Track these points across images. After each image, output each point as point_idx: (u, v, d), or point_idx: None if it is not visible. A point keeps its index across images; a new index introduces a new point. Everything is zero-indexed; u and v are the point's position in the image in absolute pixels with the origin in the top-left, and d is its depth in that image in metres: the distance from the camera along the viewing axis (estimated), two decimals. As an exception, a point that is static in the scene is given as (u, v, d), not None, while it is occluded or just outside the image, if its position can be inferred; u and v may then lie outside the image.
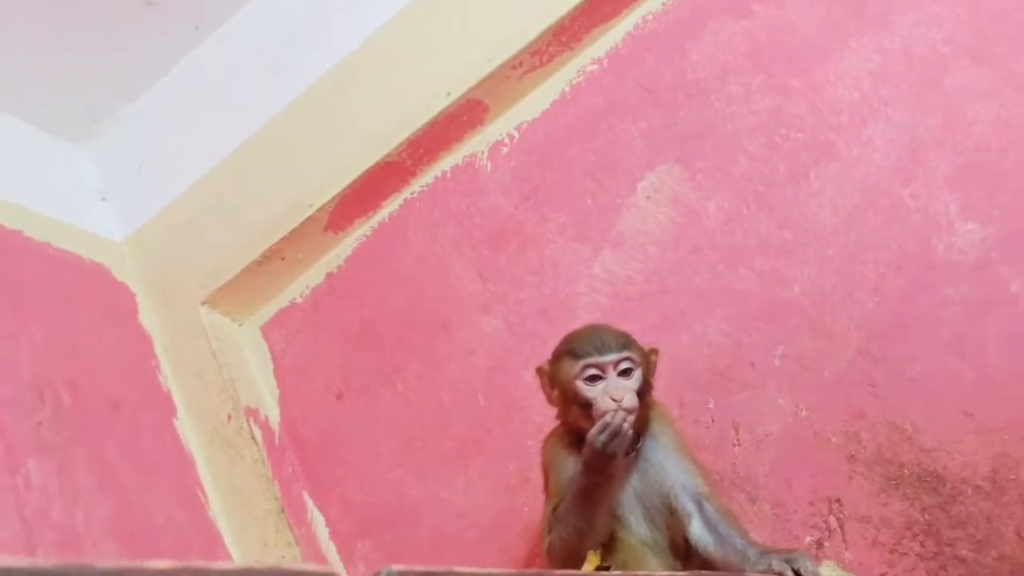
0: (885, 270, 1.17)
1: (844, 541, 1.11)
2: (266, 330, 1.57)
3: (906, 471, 1.10)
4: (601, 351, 0.97)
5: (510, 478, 1.32)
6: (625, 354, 0.97)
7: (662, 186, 1.33)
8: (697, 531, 0.99)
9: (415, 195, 1.50)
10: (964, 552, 1.05)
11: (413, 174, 1.50)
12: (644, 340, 1.23)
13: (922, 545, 1.07)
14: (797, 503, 1.14)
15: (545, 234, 1.39)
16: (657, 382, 1.18)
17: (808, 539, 1.13)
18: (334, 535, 1.42)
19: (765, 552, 0.93)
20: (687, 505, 1.01)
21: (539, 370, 1.03)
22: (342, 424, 1.46)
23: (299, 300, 1.56)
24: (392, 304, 1.47)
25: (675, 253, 1.29)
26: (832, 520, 1.12)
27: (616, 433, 0.89)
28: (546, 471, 1.03)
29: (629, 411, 0.92)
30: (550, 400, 1.02)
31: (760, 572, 0.89)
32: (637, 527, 1.01)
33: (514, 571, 1.08)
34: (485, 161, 1.45)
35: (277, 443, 1.47)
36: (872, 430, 1.13)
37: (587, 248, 1.35)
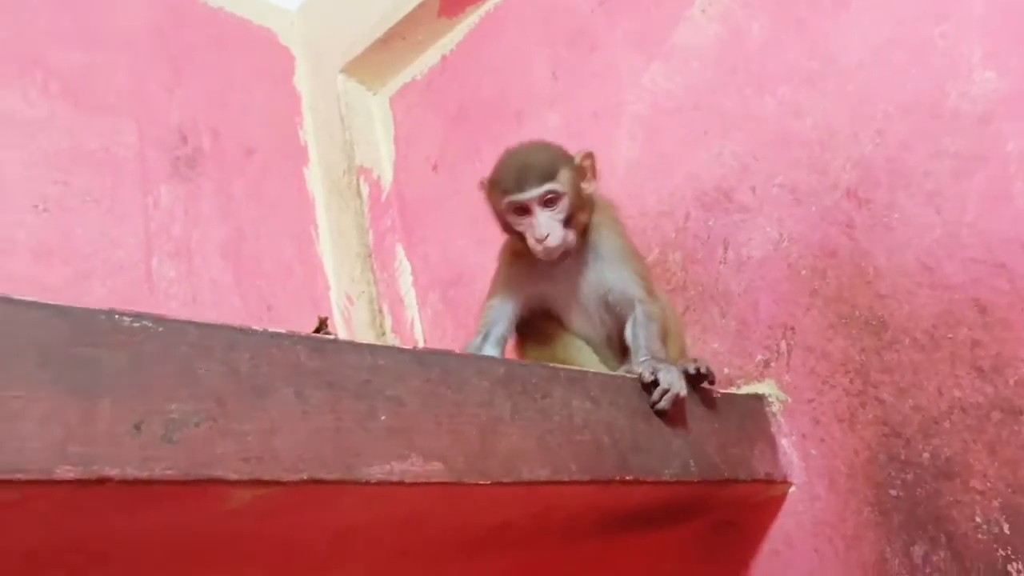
0: (894, 112, 1.17)
1: (788, 365, 1.21)
2: (393, 101, 1.84)
3: (857, 312, 1.16)
4: (522, 187, 1.05)
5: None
6: (546, 188, 1.05)
7: (717, 1, 1.35)
8: (628, 331, 1.11)
9: (517, -12, 1.63)
10: (885, 396, 1.13)
11: (517, -33, 1.62)
12: (669, 155, 1.35)
13: (851, 382, 1.16)
14: (758, 324, 1.25)
15: (611, 40, 1.48)
16: (669, 197, 1.31)
17: (759, 358, 1.24)
18: (415, 283, 1.72)
19: (650, 358, 1.06)
20: (623, 307, 1.12)
21: (482, 184, 1.13)
22: (433, 192, 1.72)
23: (419, 78, 1.79)
24: (483, 91, 1.66)
25: (714, 71, 1.35)
26: (783, 344, 1.22)
27: None
28: (497, 269, 1.18)
29: (554, 247, 1.05)
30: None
31: (634, 372, 1.03)
32: (576, 324, 1.15)
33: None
34: (578, -40, 1.54)
35: (384, 200, 1.76)
36: (838, 269, 1.19)
37: (642, 58, 1.44)
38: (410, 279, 1.74)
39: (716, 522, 1.23)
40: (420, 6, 1.69)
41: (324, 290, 1.70)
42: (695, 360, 1.10)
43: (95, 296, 1.30)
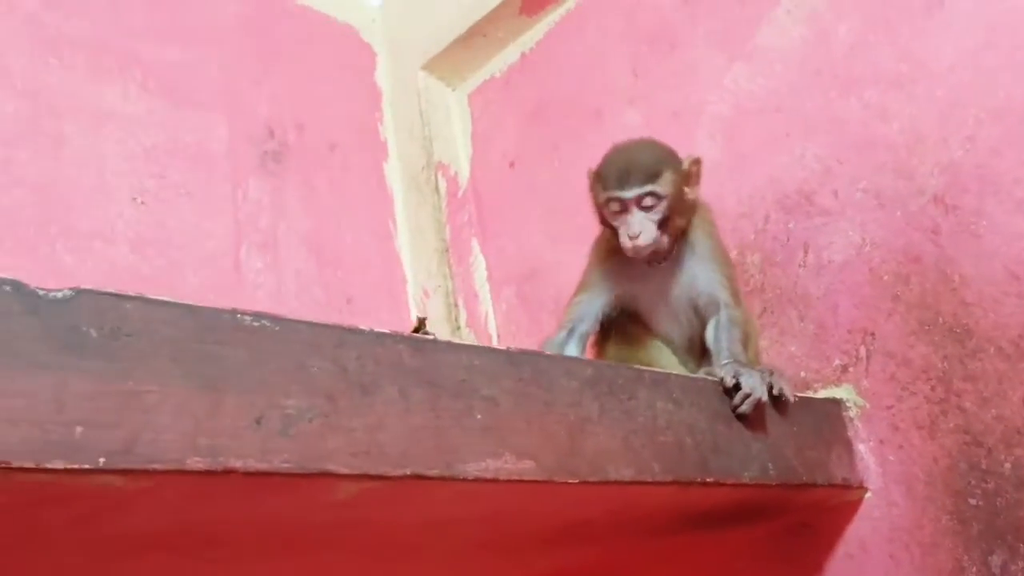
0: (985, 117, 1.16)
1: (866, 370, 1.21)
2: (472, 97, 1.87)
3: (941, 319, 1.16)
4: (622, 185, 1.06)
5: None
6: (647, 189, 1.06)
7: (804, 2, 1.36)
8: (709, 334, 1.13)
9: (599, -13, 1.64)
10: (967, 404, 1.12)
11: (599, -34, 1.63)
12: (750, 156, 1.36)
13: (932, 389, 1.15)
14: (837, 328, 1.25)
15: (693, 39, 1.49)
16: (749, 199, 1.32)
17: (837, 362, 1.24)
18: (489, 278, 1.75)
19: (732, 361, 1.07)
20: (708, 310, 1.13)
21: (589, 173, 1.14)
22: (510, 189, 1.75)
23: (498, 75, 1.82)
24: (562, 89, 1.68)
25: (797, 73, 1.35)
26: (862, 350, 1.22)
27: None
28: (588, 264, 1.20)
29: (644, 246, 1.06)
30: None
31: (715, 374, 1.05)
32: (661, 325, 1.16)
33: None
34: (661, -41, 1.55)
35: (460, 195, 1.80)
36: (922, 275, 1.18)
37: (724, 57, 1.44)
38: (485, 274, 1.77)
39: (791, 524, 1.23)
40: (502, 4, 1.71)
41: (401, 283, 1.74)
42: (772, 372, 1.10)
43: (189, 286, 1.35)
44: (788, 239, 1.33)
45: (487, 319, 1.73)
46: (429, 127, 1.82)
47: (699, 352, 1.17)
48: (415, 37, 1.88)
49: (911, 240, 1.20)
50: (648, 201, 1.07)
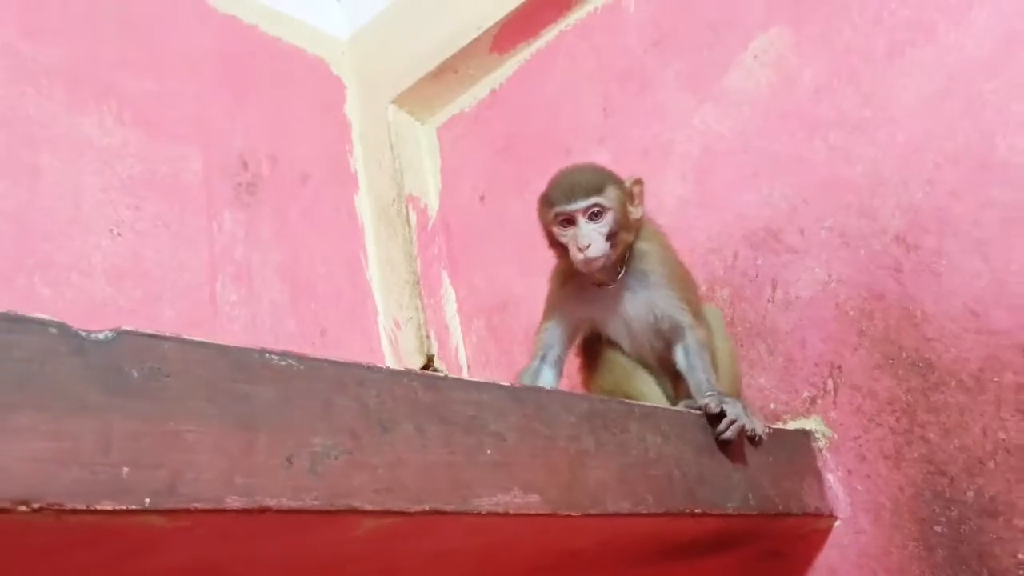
0: (943, 162, 1.22)
1: (834, 403, 1.26)
2: (441, 132, 1.89)
3: (904, 354, 1.21)
4: (569, 198, 1.10)
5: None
6: (592, 201, 1.10)
7: (770, 47, 1.42)
8: (680, 359, 1.16)
9: (569, 28, 1.70)
10: (931, 435, 1.17)
11: (569, 7, 1.69)
12: (719, 194, 1.41)
13: (897, 420, 1.20)
14: (805, 361, 1.30)
15: (662, 80, 1.54)
16: (718, 235, 1.36)
17: (805, 394, 1.29)
18: (459, 310, 1.77)
19: (712, 391, 1.11)
20: (673, 334, 1.16)
21: (538, 201, 1.17)
22: (481, 222, 1.78)
23: (467, 110, 1.85)
24: (532, 126, 1.72)
25: (764, 116, 1.41)
26: (830, 382, 1.27)
27: None
28: (548, 292, 1.23)
29: (595, 258, 1.10)
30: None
31: (698, 406, 1.08)
32: (630, 349, 1.19)
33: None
34: (631, 1, 1.60)
35: (430, 228, 1.82)
36: (886, 311, 1.24)
37: (693, 99, 1.49)
38: (455, 306, 1.79)
39: (763, 551, 1.27)
40: (473, 41, 1.74)
41: (373, 315, 1.75)
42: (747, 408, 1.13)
43: (166, 319, 1.35)
44: (757, 275, 1.38)
45: (457, 351, 1.75)
46: (399, 160, 1.84)
47: (673, 372, 1.19)
48: (384, 71, 1.91)
49: (875, 277, 1.26)
50: (595, 211, 1.10)
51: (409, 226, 1.80)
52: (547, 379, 1.18)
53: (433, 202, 1.86)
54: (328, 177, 1.80)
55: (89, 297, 1.28)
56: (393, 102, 1.88)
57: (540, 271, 1.66)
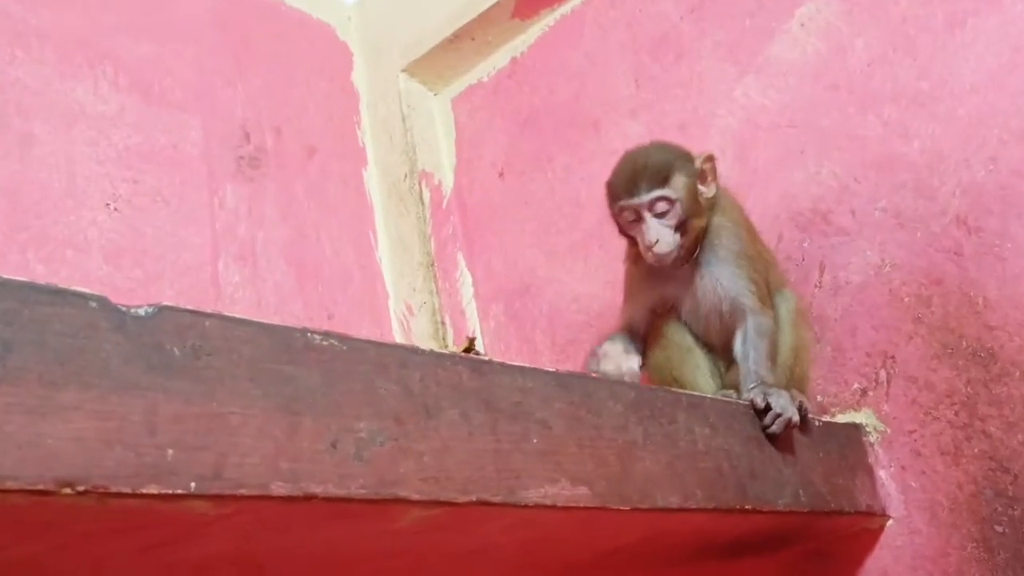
0: (1008, 139, 1.22)
1: (887, 395, 1.27)
2: (456, 103, 1.90)
3: (964, 343, 1.22)
4: (632, 192, 1.11)
5: (620, 276, 1.57)
6: (656, 194, 1.10)
7: (818, 15, 1.42)
8: (737, 345, 1.17)
9: (597, -9, 1.69)
10: (992, 429, 1.18)
11: (598, -31, 1.68)
12: (761, 172, 1.41)
13: (956, 414, 1.21)
14: (856, 351, 1.30)
15: (700, 49, 1.54)
16: (761, 216, 1.37)
17: (855, 385, 1.30)
18: (476, 294, 1.77)
19: (760, 382, 1.11)
20: (734, 317, 1.17)
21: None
22: (499, 200, 1.78)
23: (485, 80, 1.85)
24: (557, 96, 1.72)
25: (812, 88, 1.41)
26: (882, 373, 1.28)
27: None
28: (625, 272, 1.25)
29: (664, 254, 1.11)
30: None
31: (744, 398, 1.09)
32: (697, 329, 1.21)
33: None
34: (665, -36, 1.60)
35: (445, 206, 1.82)
36: (944, 297, 1.24)
37: (734, 70, 1.50)
38: (471, 290, 1.79)
39: (810, 552, 1.28)
40: (494, 6, 1.74)
41: (383, 299, 1.75)
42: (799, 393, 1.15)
43: (166, 299, 1.35)
44: (803, 258, 1.38)
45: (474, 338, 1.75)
46: (411, 133, 1.84)
47: (729, 353, 1.21)
48: (394, 37, 1.90)
49: (933, 261, 1.27)
50: (660, 207, 1.11)
51: (422, 204, 1.81)
52: (633, 347, 1.21)
53: (448, 178, 1.87)
54: (335, 151, 1.81)
55: (85, 275, 1.29)
56: (404, 71, 1.88)
57: (564, 253, 1.68)
